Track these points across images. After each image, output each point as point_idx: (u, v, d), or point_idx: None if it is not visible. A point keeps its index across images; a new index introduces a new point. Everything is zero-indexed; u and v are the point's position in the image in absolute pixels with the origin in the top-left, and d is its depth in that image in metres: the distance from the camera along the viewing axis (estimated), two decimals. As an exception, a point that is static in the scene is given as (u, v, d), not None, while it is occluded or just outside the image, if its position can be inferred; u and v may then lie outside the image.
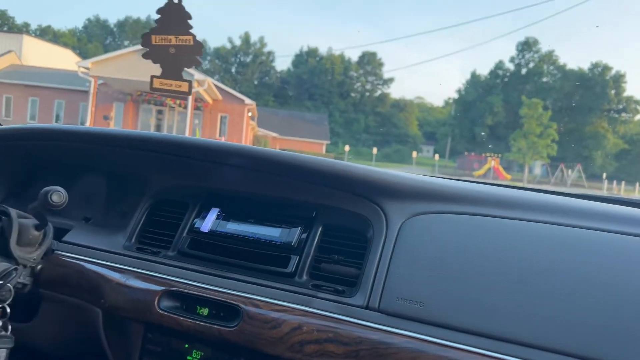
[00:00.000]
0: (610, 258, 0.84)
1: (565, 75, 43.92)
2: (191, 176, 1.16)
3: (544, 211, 0.94)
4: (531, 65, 46.65)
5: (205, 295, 0.96)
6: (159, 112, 22.30)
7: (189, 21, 1.27)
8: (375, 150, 32.30)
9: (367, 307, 0.88)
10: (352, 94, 52.90)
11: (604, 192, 27.91)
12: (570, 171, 31.73)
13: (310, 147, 31.20)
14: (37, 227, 0.93)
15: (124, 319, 1.01)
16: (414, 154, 34.39)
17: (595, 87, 41.98)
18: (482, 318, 0.81)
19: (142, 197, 1.18)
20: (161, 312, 0.96)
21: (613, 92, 42.36)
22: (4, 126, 1.29)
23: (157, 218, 1.15)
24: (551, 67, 46.18)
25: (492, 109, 41.47)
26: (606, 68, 42.94)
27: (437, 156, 35.65)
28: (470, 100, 45.53)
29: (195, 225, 1.08)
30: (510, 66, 47.61)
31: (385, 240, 0.95)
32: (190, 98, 18.02)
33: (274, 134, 30.18)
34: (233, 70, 51.16)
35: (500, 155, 32.05)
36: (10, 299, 0.87)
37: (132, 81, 17.43)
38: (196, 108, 21.12)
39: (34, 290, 0.96)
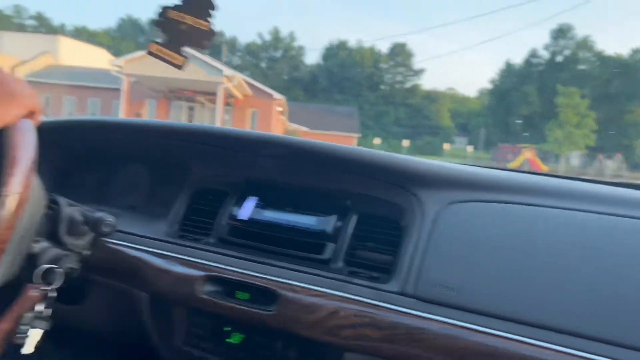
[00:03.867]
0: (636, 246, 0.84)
1: (603, 62, 42.56)
2: (230, 166, 1.19)
3: (581, 199, 0.93)
4: (566, 52, 45.43)
5: (244, 280, 0.98)
6: (190, 108, 22.58)
7: (212, 11, 1.27)
8: (405, 142, 31.90)
9: (402, 294, 0.88)
10: (382, 86, 52.56)
11: (645, 183, 26.75)
12: (610, 161, 30.74)
13: (340, 140, 30.63)
14: (86, 218, 0.97)
15: (169, 303, 1.05)
16: (446, 145, 33.90)
17: (635, 74, 40.51)
18: (517, 305, 0.81)
19: (183, 186, 1.22)
20: (203, 297, 0.98)
21: (655, 78, 40.71)
22: (50, 119, 1.34)
23: (198, 206, 1.18)
24: (588, 54, 44.81)
25: (526, 99, 40.54)
26: (647, 53, 41.32)
27: (470, 148, 35.11)
28: (504, 89, 44.61)
29: (234, 213, 1.10)
30: (545, 54, 46.48)
31: (420, 229, 0.95)
32: (220, 94, 18.17)
33: (305, 128, 30.15)
34: (263, 65, 51.49)
35: (535, 146, 31.29)
36: (60, 283, 0.91)
37: (163, 78, 17.70)
38: (227, 104, 21.29)
39: (83, 275, 0.99)
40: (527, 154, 29.39)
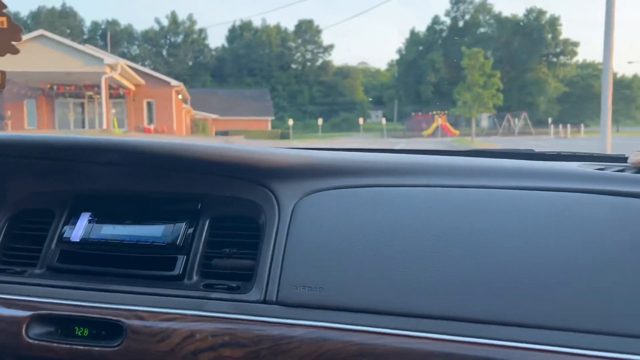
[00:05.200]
0: (503, 215, 0.83)
1: (501, 24, 44.07)
2: (54, 179, 1.06)
3: (437, 175, 0.92)
4: (467, 17, 46.50)
5: (81, 314, 0.88)
6: (78, 105, 20.42)
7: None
8: (320, 121, 31.21)
9: (264, 302, 0.83)
10: (293, 66, 51.73)
11: (551, 137, 28.04)
12: (516, 120, 31.82)
13: (254, 125, 29.99)
14: None
15: None
16: (361, 120, 33.68)
17: (532, 33, 42.32)
18: (384, 295, 0.78)
19: None
20: (31, 341, 0.88)
21: (550, 36, 42.84)
22: None
23: (20, 232, 1.06)
24: (487, 17, 46.18)
25: (433, 66, 41.19)
26: (540, 13, 43.30)
27: (384, 120, 35.17)
28: (412, 59, 45.13)
29: (65, 235, 0.99)
30: (447, 20, 47.33)
31: (278, 226, 0.89)
32: (103, 85, 16.30)
33: (214, 116, 28.75)
34: (164, 53, 48.73)
35: (446, 112, 31.79)
36: None
37: (37, 73, 15.62)
38: (117, 96, 19.40)
39: None
40: (439, 121, 29.84)
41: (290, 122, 30.46)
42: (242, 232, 0.94)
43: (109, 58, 16.44)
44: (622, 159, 1.10)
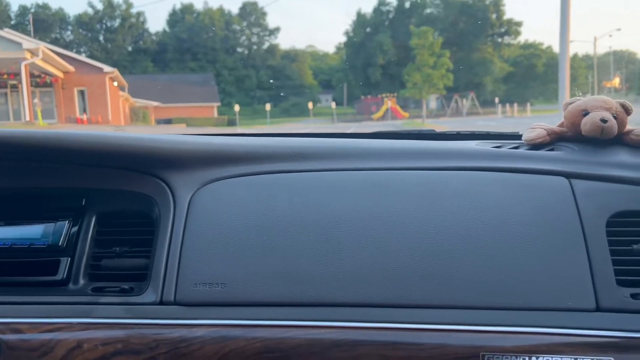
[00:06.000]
0: (406, 196, 0.82)
1: (447, 5, 44.08)
2: None
3: (339, 158, 0.90)
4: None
5: None
6: (1, 95, 18.66)
7: None
8: (268, 106, 30.22)
9: (161, 303, 0.77)
10: (239, 49, 50.39)
11: (499, 116, 28.23)
12: (464, 100, 31.93)
13: (199, 112, 28.71)
14: None
15: None
16: (310, 105, 33.00)
17: (477, 13, 42.58)
18: (289, 287, 0.76)
19: None
20: None
21: (494, 16, 43.27)
22: None
23: None
24: (433, -2, 46.09)
25: (382, 48, 40.75)
26: (485, -7, 43.53)
27: (334, 104, 34.63)
28: (359, 41, 44.60)
29: None
30: (394, 1, 46.98)
31: (174, 220, 0.83)
32: (23, 72, 14.76)
33: (155, 103, 27.26)
34: (101, 38, 46.04)
35: (396, 94, 31.53)
36: None
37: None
38: (44, 84, 17.81)
39: None
40: (389, 104, 29.50)
41: (237, 107, 29.33)
42: (134, 228, 0.87)
43: (28, 43, 14.92)
44: (517, 136, 1.11)
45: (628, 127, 0.95)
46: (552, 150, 0.94)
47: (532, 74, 38.38)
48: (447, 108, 31.52)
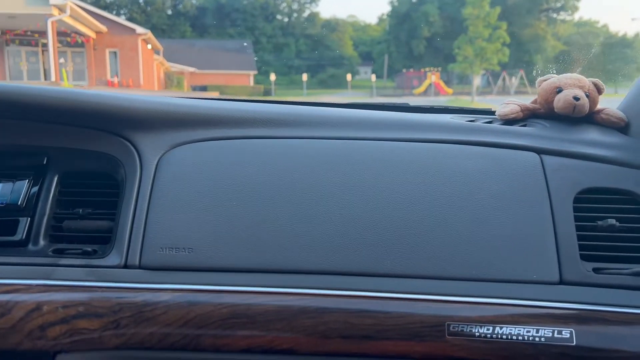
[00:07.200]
0: (378, 166, 0.83)
1: (500, -25, 41.48)
2: None
3: (312, 126, 0.89)
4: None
5: None
6: (32, 54, 18.22)
7: None
8: (305, 76, 29.13)
9: (125, 266, 0.77)
10: (279, 16, 49.05)
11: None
12: (513, 78, 30.10)
13: (236, 80, 27.92)
14: None
15: None
16: (349, 77, 31.75)
17: (532, -14, 39.92)
18: (257, 253, 0.76)
19: None
20: None
21: (551, -11, 40.51)
22: None
23: None
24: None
25: (427, 19, 38.81)
26: (542, -36, 40.78)
27: (373, 77, 33.33)
28: (404, 12, 42.62)
29: None
30: (443, -30, 44.58)
31: (140, 182, 0.82)
32: (49, 29, 14.12)
33: (191, 69, 26.56)
34: (141, 1, 45.54)
35: (439, 68, 29.91)
36: None
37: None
38: (75, 44, 17.23)
39: None
40: (432, 78, 27.99)
41: (273, 77, 28.38)
42: (99, 189, 0.86)
43: (57, -1, 14.22)
44: (491, 112, 1.12)
45: (599, 106, 0.97)
46: (524, 126, 0.95)
47: (587, 54, 35.94)
48: (493, 85, 29.79)
